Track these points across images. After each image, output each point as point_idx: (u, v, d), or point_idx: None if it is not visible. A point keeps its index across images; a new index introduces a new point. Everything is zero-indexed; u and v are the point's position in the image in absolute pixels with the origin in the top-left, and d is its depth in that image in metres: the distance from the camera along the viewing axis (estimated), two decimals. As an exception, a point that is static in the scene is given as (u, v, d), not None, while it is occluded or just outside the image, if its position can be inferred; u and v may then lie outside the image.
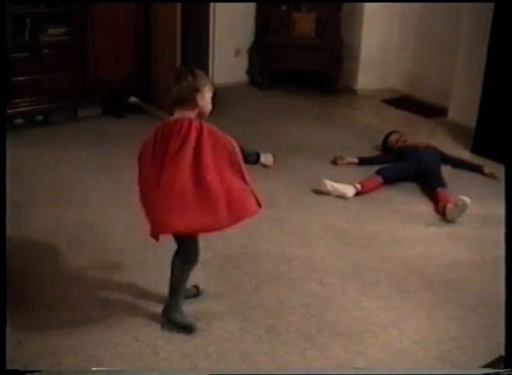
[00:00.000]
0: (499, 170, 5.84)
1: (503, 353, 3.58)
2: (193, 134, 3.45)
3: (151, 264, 4.28)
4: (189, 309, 3.82)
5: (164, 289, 3.80)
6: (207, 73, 7.88)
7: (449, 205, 5.08)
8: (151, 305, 3.87)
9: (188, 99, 3.50)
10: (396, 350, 3.65)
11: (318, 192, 5.35)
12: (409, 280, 4.28)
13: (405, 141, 6.11)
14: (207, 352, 3.53)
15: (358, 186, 5.37)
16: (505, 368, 3.13)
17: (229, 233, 4.68)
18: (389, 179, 5.56)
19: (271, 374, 3.54)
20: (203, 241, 3.68)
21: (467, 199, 5.02)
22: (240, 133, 6.43)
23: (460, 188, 5.44)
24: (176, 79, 3.52)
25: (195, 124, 3.47)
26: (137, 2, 6.60)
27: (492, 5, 6.13)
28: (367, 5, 7.89)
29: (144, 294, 3.97)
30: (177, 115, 3.52)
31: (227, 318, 3.81)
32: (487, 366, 3.56)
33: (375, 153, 6.25)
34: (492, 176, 5.90)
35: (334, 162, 5.98)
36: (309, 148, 6.32)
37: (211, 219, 3.43)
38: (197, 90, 3.50)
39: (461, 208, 5.03)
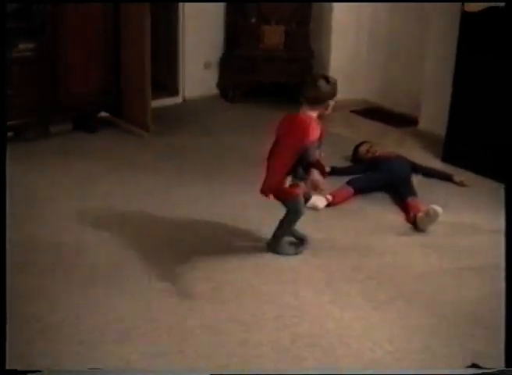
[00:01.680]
0: (470, 178, 5.92)
1: (475, 361, 3.63)
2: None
3: (118, 276, 4.28)
4: (160, 325, 3.82)
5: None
6: (177, 86, 7.92)
7: (420, 215, 5.11)
8: (124, 320, 3.86)
9: (321, 102, 4.30)
10: (369, 360, 3.65)
11: None
12: (381, 290, 4.29)
13: (375, 151, 6.14)
14: (180, 367, 3.51)
15: (329, 197, 5.38)
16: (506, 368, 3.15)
17: (202, 246, 4.72)
18: (360, 189, 5.59)
19: (270, 374, 3.55)
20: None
21: (437, 208, 5.05)
22: (210, 145, 6.52)
23: (431, 197, 5.48)
24: (314, 81, 4.31)
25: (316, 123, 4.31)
26: (107, 5, 6.58)
27: (458, 16, 6.18)
28: (335, 17, 7.93)
29: (114, 310, 3.96)
30: (305, 111, 4.35)
31: (200, 332, 3.79)
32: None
33: (346, 164, 6.27)
34: (462, 184, 5.96)
35: None
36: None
37: None
38: (332, 97, 4.29)
39: (432, 217, 5.06)
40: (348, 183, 5.59)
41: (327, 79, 4.34)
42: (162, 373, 3.51)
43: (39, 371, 3.26)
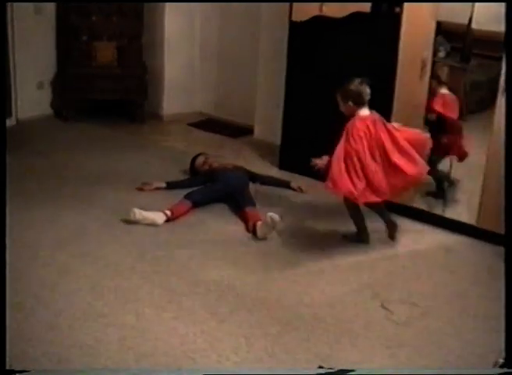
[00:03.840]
0: (307, 184, 6.06)
1: (321, 364, 3.70)
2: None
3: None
4: None
5: None
6: (10, 107, 7.70)
7: (259, 223, 5.16)
8: None
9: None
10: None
11: (129, 222, 5.29)
12: (224, 301, 4.30)
13: (212, 162, 6.16)
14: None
15: (168, 212, 5.34)
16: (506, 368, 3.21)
17: (39, 271, 4.59)
18: (198, 202, 5.59)
19: (270, 374, 3.59)
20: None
21: (275, 216, 5.11)
22: (46, 166, 6.38)
23: (269, 205, 5.58)
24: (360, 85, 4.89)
25: None
26: None
27: (286, 28, 6.31)
28: (167, 32, 7.98)
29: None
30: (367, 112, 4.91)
31: (43, 360, 3.67)
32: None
33: (184, 177, 6.26)
34: (300, 189, 6.09)
35: (140, 188, 5.95)
36: (117, 177, 6.26)
37: None
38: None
39: (271, 224, 5.12)
40: (186, 196, 5.58)
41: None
42: (160, 373, 3.54)
43: (26, 371, 3.22)
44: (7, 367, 3.37)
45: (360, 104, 4.88)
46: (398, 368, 3.74)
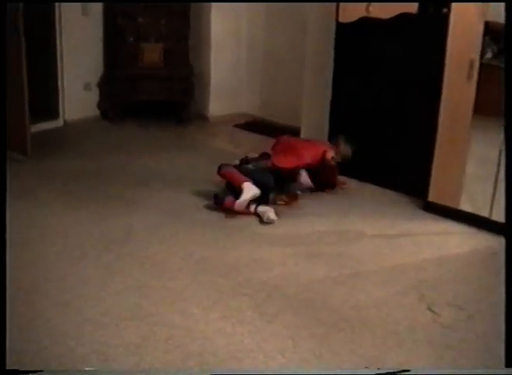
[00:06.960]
0: (354, 185, 6.15)
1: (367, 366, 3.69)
2: None
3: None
4: (48, 355, 3.73)
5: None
6: (57, 108, 7.79)
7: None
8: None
9: None
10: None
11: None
12: (271, 302, 4.30)
13: None
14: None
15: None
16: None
17: (86, 271, 4.63)
18: None
19: (272, 374, 3.58)
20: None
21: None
22: (93, 167, 6.43)
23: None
24: None
25: None
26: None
27: (333, 29, 6.31)
28: (214, 33, 8.00)
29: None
30: None
31: (91, 359, 3.70)
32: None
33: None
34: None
35: None
36: (163, 178, 6.29)
37: None
38: None
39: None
40: None
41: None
42: (162, 373, 3.57)
43: (40, 371, 3.21)
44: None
45: None
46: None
